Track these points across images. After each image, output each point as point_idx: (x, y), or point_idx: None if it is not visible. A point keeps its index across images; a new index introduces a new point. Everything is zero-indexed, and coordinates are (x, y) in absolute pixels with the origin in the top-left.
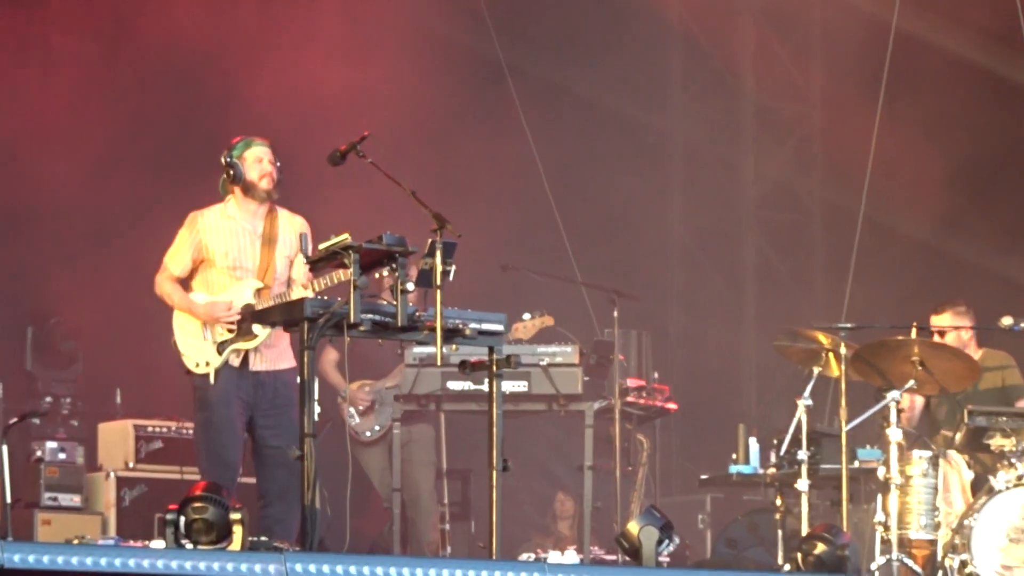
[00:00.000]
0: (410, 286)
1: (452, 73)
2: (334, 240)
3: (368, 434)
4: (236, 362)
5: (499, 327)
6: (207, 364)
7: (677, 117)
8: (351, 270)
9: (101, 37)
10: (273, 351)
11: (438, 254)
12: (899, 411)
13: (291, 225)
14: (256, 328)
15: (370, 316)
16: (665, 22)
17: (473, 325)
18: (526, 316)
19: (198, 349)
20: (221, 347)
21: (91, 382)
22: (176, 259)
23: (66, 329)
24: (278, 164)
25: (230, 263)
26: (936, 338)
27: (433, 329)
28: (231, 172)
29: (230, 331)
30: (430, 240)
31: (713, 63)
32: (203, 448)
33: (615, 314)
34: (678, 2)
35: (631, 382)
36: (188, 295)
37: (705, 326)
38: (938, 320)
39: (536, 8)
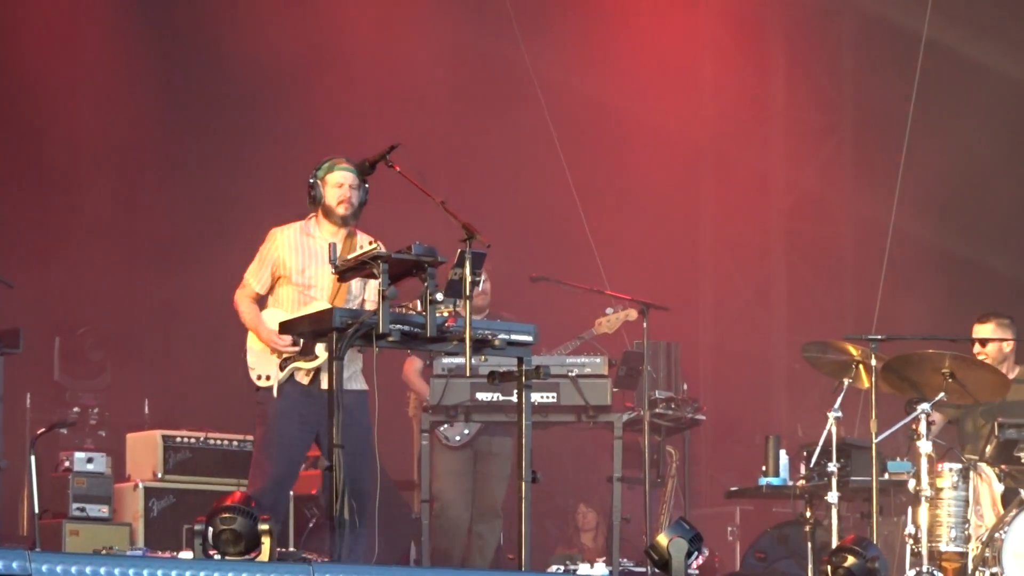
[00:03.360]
0: (440, 297)
1: (481, 83)
2: (363, 249)
3: (458, 438)
4: (305, 380)
5: (528, 338)
6: (268, 379)
7: (708, 127)
8: (380, 280)
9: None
10: (344, 372)
11: (467, 264)
12: (930, 424)
13: (365, 243)
14: (318, 349)
15: (399, 327)
16: (695, 32)
17: (502, 336)
18: (609, 311)
19: (263, 363)
20: (284, 363)
21: (119, 392)
22: (256, 276)
23: (94, 339)
24: (365, 186)
25: (304, 281)
26: (977, 347)
27: (462, 339)
28: (312, 193)
29: (295, 345)
30: (459, 250)
31: (744, 73)
32: (255, 461)
33: (644, 325)
34: (708, 12)
35: (660, 393)
36: (259, 314)
37: (735, 337)
38: (982, 330)
39: (564, 17)
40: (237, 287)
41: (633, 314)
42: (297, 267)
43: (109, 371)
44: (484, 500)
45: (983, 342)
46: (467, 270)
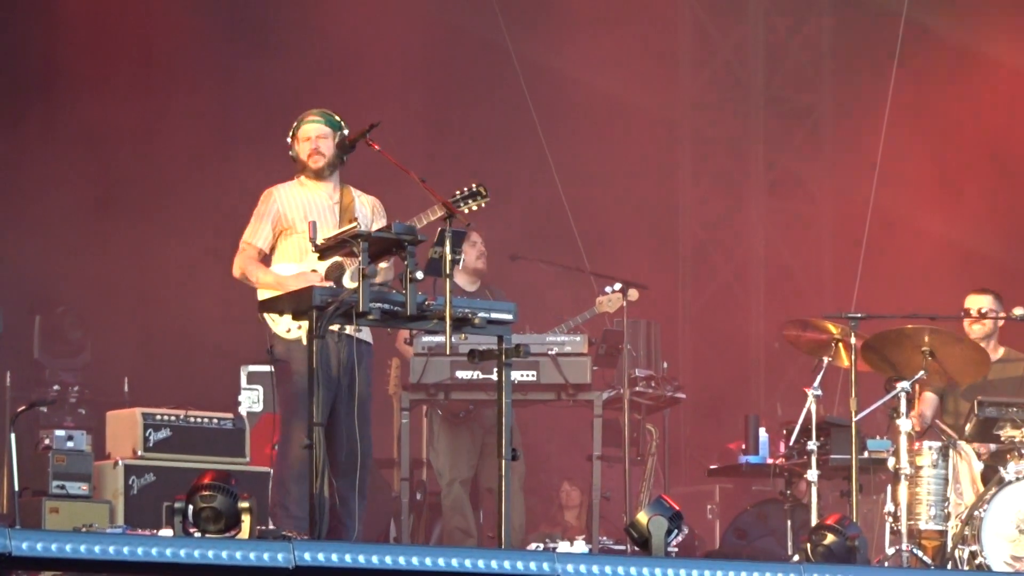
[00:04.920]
0: (419, 275)
1: (460, 61)
2: (343, 228)
3: (461, 414)
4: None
5: (508, 316)
6: (300, 327)
7: (687, 106)
8: (360, 259)
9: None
10: None
11: (447, 243)
12: (909, 401)
13: (363, 201)
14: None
15: (379, 305)
16: (675, 9)
17: (482, 314)
18: (608, 289)
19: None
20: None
21: (99, 370)
22: (257, 233)
23: (74, 318)
24: (344, 133)
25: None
26: (972, 319)
27: (442, 318)
28: (290, 153)
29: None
30: (439, 229)
31: (723, 52)
32: (285, 424)
33: (624, 303)
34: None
35: (640, 372)
36: (274, 271)
37: (714, 316)
38: (979, 300)
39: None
40: (234, 254)
41: (634, 294)
42: (300, 216)
43: (89, 349)
44: (492, 477)
45: (981, 314)
46: (447, 248)
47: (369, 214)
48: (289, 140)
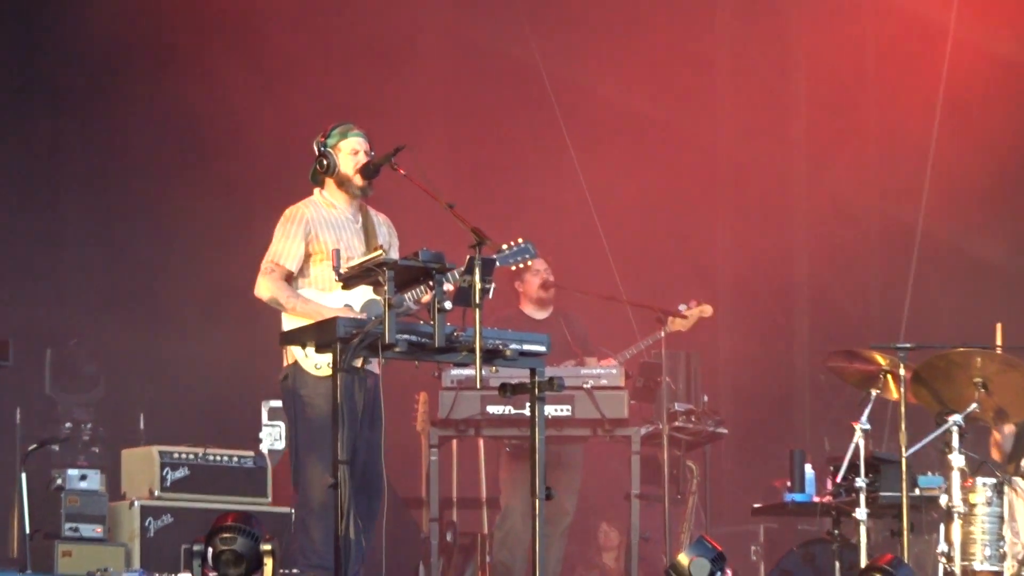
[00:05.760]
0: (448, 305)
1: (491, 82)
2: (368, 256)
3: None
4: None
5: (541, 348)
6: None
7: (727, 132)
8: (385, 288)
9: None
10: None
11: (477, 271)
12: (962, 436)
13: (380, 221)
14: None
15: (406, 336)
16: (714, 33)
17: (514, 346)
18: (682, 307)
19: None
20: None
21: (113, 407)
22: (287, 252)
23: (87, 351)
24: (372, 154)
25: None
26: None
27: (472, 350)
28: (324, 162)
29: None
30: (468, 256)
31: (763, 75)
32: (304, 465)
33: (662, 334)
34: (725, 9)
35: (679, 406)
36: (313, 300)
37: (756, 347)
38: None
39: (577, 17)
40: (258, 275)
41: (708, 309)
42: (331, 240)
43: (102, 384)
44: (551, 513)
45: None
46: (477, 277)
47: (388, 236)
48: (324, 148)
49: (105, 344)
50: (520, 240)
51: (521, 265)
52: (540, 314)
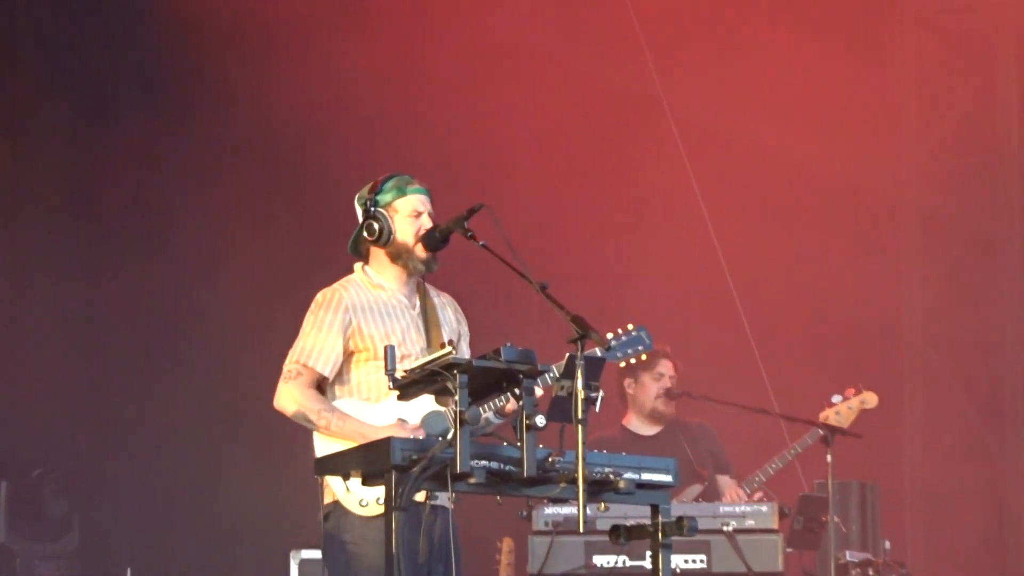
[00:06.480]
0: (541, 421)
1: (605, 113)
2: (433, 355)
3: None
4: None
5: (667, 477)
6: (379, 501)
7: (912, 179)
8: (456, 398)
9: None
10: None
11: (579, 374)
12: None
13: (443, 303)
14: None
15: (484, 463)
16: (895, 46)
17: (629, 475)
18: (836, 398)
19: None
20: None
21: (92, 558)
22: (319, 350)
23: (56, 485)
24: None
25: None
26: None
27: (573, 481)
28: (375, 227)
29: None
30: (568, 355)
31: (960, 102)
32: None
33: (828, 458)
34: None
35: (852, 555)
36: (343, 409)
37: (956, 473)
38: None
39: (698, 46)
40: (280, 378)
41: (872, 399)
42: (381, 334)
43: (76, 529)
44: None
45: None
46: (579, 382)
47: (455, 324)
48: (372, 209)
49: (79, 475)
50: (631, 327)
51: (632, 360)
52: (651, 429)
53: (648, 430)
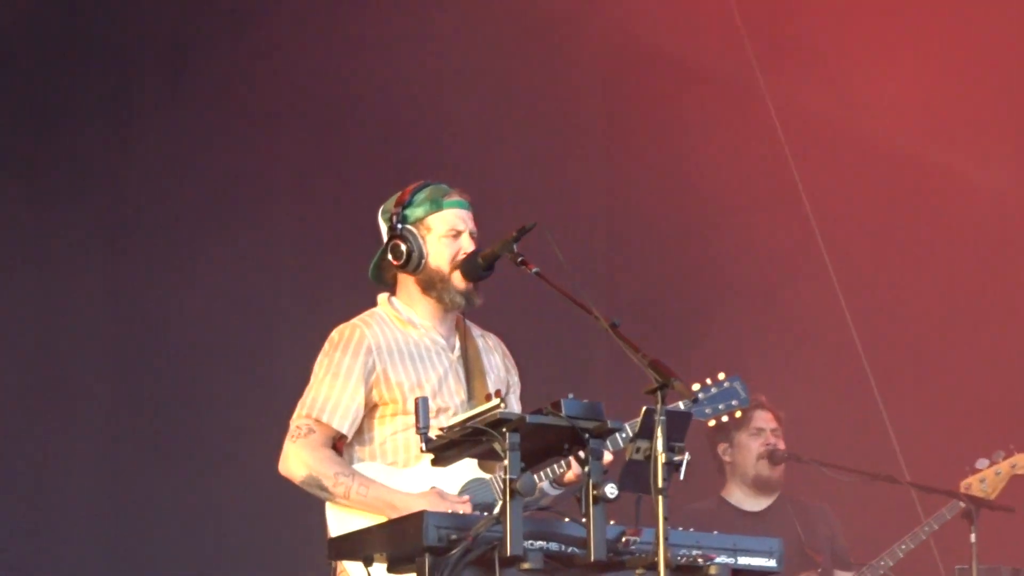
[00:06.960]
0: (611, 491)
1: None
2: (477, 409)
3: None
4: None
5: (770, 562)
6: None
7: None
8: (505, 463)
9: None
10: None
11: (659, 433)
12: None
13: (489, 346)
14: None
15: (540, 544)
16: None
17: (724, 559)
18: (981, 463)
19: None
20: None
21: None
22: (337, 404)
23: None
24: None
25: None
26: None
27: (653, 566)
28: (402, 249)
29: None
30: (644, 409)
31: None
32: None
33: (972, 537)
34: None
35: None
36: (369, 476)
37: None
38: None
39: (805, 39)
40: (285, 440)
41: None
42: (411, 383)
43: None
44: None
45: None
46: (658, 443)
47: (503, 371)
48: (400, 225)
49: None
50: (723, 376)
51: (724, 418)
52: (757, 503)
53: (753, 504)
